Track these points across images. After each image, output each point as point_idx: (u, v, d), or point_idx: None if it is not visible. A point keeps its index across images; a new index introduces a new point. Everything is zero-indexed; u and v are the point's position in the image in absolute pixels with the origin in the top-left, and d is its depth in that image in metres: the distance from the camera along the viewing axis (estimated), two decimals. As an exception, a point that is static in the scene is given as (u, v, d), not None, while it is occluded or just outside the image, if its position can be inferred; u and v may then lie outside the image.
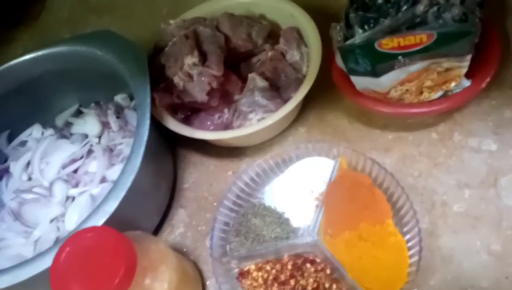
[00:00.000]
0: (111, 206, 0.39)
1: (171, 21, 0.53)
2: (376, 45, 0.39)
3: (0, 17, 0.82)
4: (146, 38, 0.56)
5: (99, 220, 0.38)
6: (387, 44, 0.39)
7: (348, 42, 0.40)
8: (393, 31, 0.39)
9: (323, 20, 0.50)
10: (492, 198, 0.44)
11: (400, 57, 0.40)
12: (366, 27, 0.41)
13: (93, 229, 0.35)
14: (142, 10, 0.74)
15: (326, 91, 0.53)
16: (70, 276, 0.33)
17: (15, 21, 0.82)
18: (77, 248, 0.34)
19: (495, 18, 0.52)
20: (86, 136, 0.54)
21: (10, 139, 0.57)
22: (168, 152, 0.53)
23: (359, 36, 0.40)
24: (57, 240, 0.47)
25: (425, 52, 0.39)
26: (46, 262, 0.37)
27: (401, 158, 0.49)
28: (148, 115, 0.43)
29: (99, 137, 0.53)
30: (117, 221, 0.39)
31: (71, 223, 0.47)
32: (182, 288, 0.39)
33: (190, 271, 0.43)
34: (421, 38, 0.37)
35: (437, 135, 0.49)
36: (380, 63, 0.41)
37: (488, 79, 0.44)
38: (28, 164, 0.53)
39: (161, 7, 0.72)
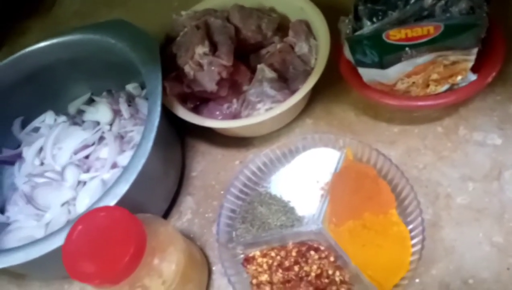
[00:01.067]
0: (122, 189, 0.40)
1: (183, 12, 0.54)
2: (384, 36, 0.40)
3: (12, 8, 0.84)
4: (157, 30, 0.57)
5: (110, 202, 0.40)
6: (394, 36, 0.39)
7: (357, 33, 0.41)
8: (401, 23, 0.40)
9: (331, 14, 0.51)
10: (496, 191, 0.45)
11: (407, 49, 0.41)
12: (374, 19, 0.42)
13: (106, 208, 0.36)
14: (153, 2, 0.75)
15: (334, 84, 0.54)
16: (81, 254, 0.34)
17: (27, 13, 0.84)
18: (89, 226, 0.35)
19: (502, 15, 0.52)
20: (98, 123, 0.55)
21: (24, 125, 0.59)
22: (177, 140, 0.54)
23: (368, 27, 0.41)
24: (68, 223, 0.48)
25: (432, 44, 0.40)
26: (57, 241, 0.39)
27: (406, 151, 0.50)
28: (159, 103, 0.44)
29: (111, 124, 0.54)
30: (127, 205, 0.39)
31: (82, 207, 0.48)
32: (189, 271, 0.40)
33: (197, 255, 0.44)
34: (428, 29, 0.38)
35: (443, 129, 0.50)
36: (388, 54, 0.42)
37: (494, 74, 0.45)
38: (41, 149, 0.55)
39: (172, 0, 0.73)
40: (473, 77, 0.45)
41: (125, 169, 0.41)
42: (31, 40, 0.78)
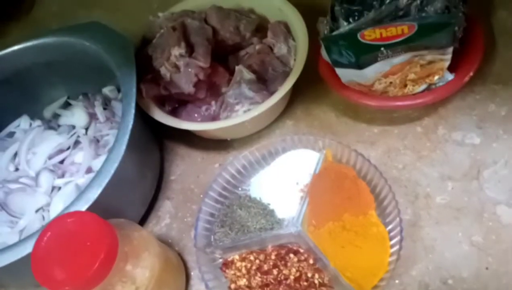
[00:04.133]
0: (94, 194, 0.39)
1: (160, 14, 0.54)
2: (359, 36, 0.39)
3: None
4: (136, 32, 0.56)
5: (82, 207, 0.39)
6: (369, 35, 0.39)
7: (332, 33, 0.41)
8: (376, 23, 0.39)
9: (311, 15, 0.51)
10: (475, 190, 0.45)
11: (382, 49, 0.40)
12: (350, 19, 0.42)
13: (75, 213, 0.35)
14: (132, 4, 0.75)
15: (314, 86, 0.54)
16: (51, 260, 0.33)
17: (6, 16, 0.82)
18: (58, 232, 0.34)
19: (481, 14, 0.52)
20: (73, 127, 0.54)
21: (-2, 131, 0.58)
22: (154, 143, 0.53)
23: (343, 28, 0.40)
24: (40, 229, 0.46)
25: (407, 43, 0.40)
26: (30, 247, 0.37)
27: (386, 151, 0.49)
28: (133, 105, 0.43)
29: (86, 128, 0.53)
30: (100, 210, 0.38)
31: (56, 212, 0.46)
32: (165, 276, 0.40)
33: (173, 260, 0.44)
34: (402, 29, 0.38)
35: (422, 129, 0.50)
36: (364, 54, 0.41)
37: (471, 73, 0.45)
38: (15, 155, 0.53)
39: (152, 1, 0.72)
40: (450, 76, 0.45)
41: (98, 172, 0.40)
42: (10, 43, 0.77)
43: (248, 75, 0.50)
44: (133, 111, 0.43)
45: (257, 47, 0.53)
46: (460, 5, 0.43)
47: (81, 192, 0.39)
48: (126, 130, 0.41)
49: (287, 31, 0.53)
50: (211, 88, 0.51)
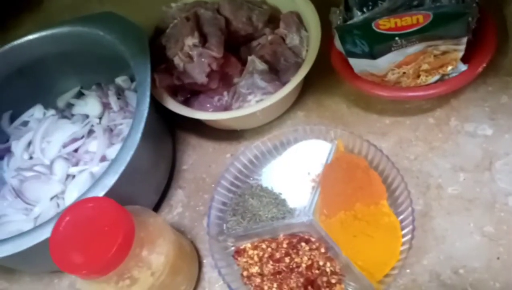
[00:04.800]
0: (110, 181, 0.40)
1: (173, 4, 0.54)
2: (373, 26, 0.39)
3: (3, 3, 0.83)
4: (148, 23, 0.56)
5: (98, 194, 0.39)
6: (384, 25, 0.39)
7: (346, 23, 0.41)
8: (390, 12, 0.39)
9: (323, 5, 0.51)
10: (487, 181, 0.45)
11: (397, 38, 0.40)
12: (364, 9, 0.42)
13: (94, 199, 0.36)
14: (143, -4, 0.75)
15: (325, 76, 0.54)
16: (69, 244, 0.34)
17: (18, 8, 0.83)
18: (76, 217, 0.34)
19: (493, 6, 0.52)
20: (87, 116, 0.54)
21: (12, 119, 0.58)
22: (167, 133, 0.54)
23: (357, 17, 0.40)
24: (56, 216, 0.47)
25: (422, 33, 0.40)
26: (46, 233, 0.38)
27: (397, 142, 0.49)
28: (148, 94, 0.44)
29: (100, 117, 0.54)
30: (115, 197, 0.39)
31: (70, 200, 0.47)
32: (179, 263, 0.40)
33: (187, 248, 0.44)
34: (417, 18, 0.38)
35: (434, 120, 0.50)
36: (378, 44, 0.42)
37: (484, 64, 0.45)
38: (30, 143, 0.54)
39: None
40: (463, 67, 0.45)
41: (114, 160, 0.41)
42: (22, 34, 0.77)
43: (261, 65, 0.50)
44: (148, 100, 0.43)
45: (269, 37, 0.53)
46: (474, -5, 0.42)
47: (97, 179, 0.40)
48: (141, 119, 0.42)
49: (299, 21, 0.53)
50: (223, 79, 0.51)
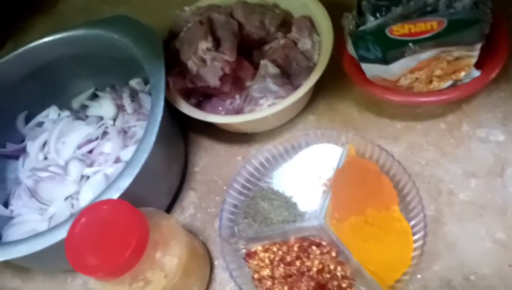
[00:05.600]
0: (125, 183, 0.40)
1: (186, 8, 0.54)
2: (387, 32, 0.40)
3: (17, 5, 0.84)
4: (161, 26, 0.57)
5: (113, 196, 0.40)
6: (398, 31, 0.39)
7: (360, 28, 0.41)
8: (404, 18, 0.40)
9: (335, 10, 0.51)
10: (498, 188, 0.45)
11: (410, 44, 0.41)
12: (377, 14, 0.42)
13: (109, 201, 0.37)
14: (156, 0, 0.75)
15: (337, 81, 0.54)
16: (84, 246, 0.34)
17: (31, 10, 0.84)
18: (92, 219, 0.35)
19: (506, 10, 0.52)
20: (101, 118, 0.55)
21: (28, 120, 0.59)
22: (180, 136, 0.54)
23: (371, 23, 0.41)
24: (71, 216, 0.48)
25: (436, 39, 0.40)
26: (61, 234, 0.39)
27: (409, 147, 0.49)
28: (162, 97, 0.44)
29: (114, 119, 0.55)
30: (129, 198, 0.39)
31: (85, 201, 0.48)
32: (192, 265, 0.41)
33: (199, 250, 0.45)
34: (431, 25, 0.38)
35: (446, 125, 0.50)
36: (391, 50, 0.42)
37: (497, 70, 0.44)
38: (45, 144, 0.55)
39: (176, -4, 0.73)
40: (476, 73, 0.45)
41: (129, 163, 0.41)
42: (35, 37, 0.78)
43: (273, 69, 0.50)
44: (162, 103, 0.43)
45: (282, 41, 0.53)
46: (488, 1, 0.42)
47: (112, 181, 0.40)
48: (155, 122, 0.42)
49: (311, 26, 0.53)
50: (236, 82, 0.52)
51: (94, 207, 0.35)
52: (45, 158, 0.54)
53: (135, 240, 0.34)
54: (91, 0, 0.82)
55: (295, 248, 0.43)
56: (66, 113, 0.58)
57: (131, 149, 0.50)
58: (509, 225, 0.43)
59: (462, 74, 0.44)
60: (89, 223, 0.35)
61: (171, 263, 0.37)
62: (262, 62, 0.51)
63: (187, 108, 0.50)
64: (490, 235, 0.43)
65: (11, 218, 0.51)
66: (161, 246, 0.37)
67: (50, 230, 0.41)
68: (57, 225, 0.40)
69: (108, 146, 0.51)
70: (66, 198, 0.50)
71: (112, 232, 0.34)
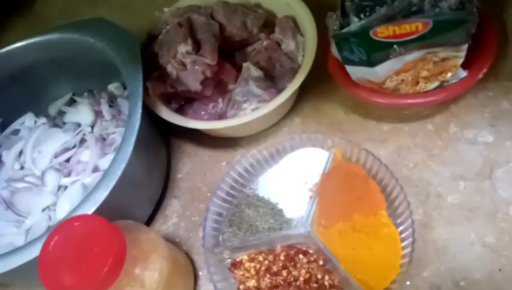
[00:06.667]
0: (102, 195, 0.38)
1: (165, 9, 0.53)
2: (371, 34, 0.38)
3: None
4: (142, 28, 0.55)
5: (90, 209, 0.38)
6: (382, 33, 0.38)
7: (343, 30, 0.40)
8: (389, 19, 0.38)
9: (319, 10, 0.49)
10: (487, 190, 0.44)
11: (395, 46, 0.39)
12: (361, 15, 0.41)
13: (82, 217, 0.35)
14: (137, 0, 0.73)
15: (322, 82, 0.53)
16: (58, 265, 0.33)
17: (8, 10, 0.81)
18: (66, 236, 0.33)
19: (494, 9, 0.51)
20: (79, 125, 0.53)
21: (3, 128, 0.57)
22: (161, 142, 0.53)
23: (354, 24, 0.39)
24: (48, 229, 0.46)
25: (421, 41, 0.39)
26: (37, 250, 0.37)
27: (396, 149, 0.48)
28: (140, 104, 0.43)
29: (92, 126, 0.53)
30: (108, 210, 0.38)
31: (62, 212, 0.46)
32: (174, 278, 0.39)
33: (182, 261, 0.43)
34: (416, 26, 0.37)
35: (433, 127, 0.49)
36: (376, 52, 0.40)
37: (485, 70, 0.44)
38: (21, 153, 0.53)
39: (157, -4, 0.71)
40: (463, 73, 0.44)
41: (105, 173, 0.39)
42: (12, 39, 0.76)
43: (256, 72, 0.49)
44: (140, 110, 0.42)
45: (265, 43, 0.52)
46: (474, 0, 0.41)
47: (89, 193, 0.39)
48: (133, 130, 0.41)
49: (295, 26, 0.52)
50: (218, 86, 0.50)
51: (67, 224, 0.34)
52: (22, 167, 0.52)
53: (112, 257, 0.32)
54: (71, 1, 0.79)
55: (282, 257, 0.42)
56: (42, 120, 0.56)
57: (110, 157, 0.48)
58: (498, 229, 0.42)
59: (449, 75, 0.43)
60: (62, 240, 0.33)
61: (151, 278, 0.36)
62: (245, 64, 0.49)
63: (167, 114, 0.48)
64: (480, 239, 0.42)
65: (-14, 231, 0.49)
66: (140, 261, 0.36)
67: (25, 246, 0.39)
68: (32, 241, 0.39)
69: (86, 155, 0.49)
70: (43, 210, 0.48)
71: (87, 250, 0.33)
